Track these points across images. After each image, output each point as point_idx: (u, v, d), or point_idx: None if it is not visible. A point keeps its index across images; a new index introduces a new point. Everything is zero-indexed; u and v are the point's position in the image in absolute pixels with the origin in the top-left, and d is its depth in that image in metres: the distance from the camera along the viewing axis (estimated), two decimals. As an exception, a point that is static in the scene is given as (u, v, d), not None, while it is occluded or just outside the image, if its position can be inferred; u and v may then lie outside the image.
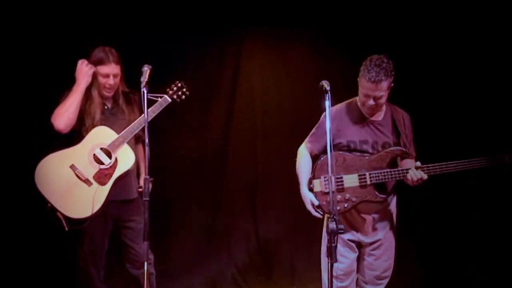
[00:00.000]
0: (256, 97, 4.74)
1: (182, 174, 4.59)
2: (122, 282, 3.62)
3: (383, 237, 3.25)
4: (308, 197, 3.11)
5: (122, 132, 3.33)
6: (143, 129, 3.41)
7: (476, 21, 4.23)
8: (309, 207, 3.11)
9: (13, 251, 4.06)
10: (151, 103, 3.33)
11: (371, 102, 3.03)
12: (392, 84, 3.04)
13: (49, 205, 3.20)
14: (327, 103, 2.79)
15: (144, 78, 2.84)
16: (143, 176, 3.62)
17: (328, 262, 2.67)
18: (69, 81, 3.46)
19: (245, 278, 4.63)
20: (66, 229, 3.21)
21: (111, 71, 3.37)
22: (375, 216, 3.22)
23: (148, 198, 2.75)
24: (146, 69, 2.86)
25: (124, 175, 3.33)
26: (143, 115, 3.31)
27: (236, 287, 4.58)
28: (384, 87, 2.99)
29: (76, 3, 4.17)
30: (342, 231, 2.68)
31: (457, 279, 4.38)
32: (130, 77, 3.44)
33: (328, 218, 2.74)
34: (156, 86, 3.08)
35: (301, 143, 3.35)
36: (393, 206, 3.29)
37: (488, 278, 4.28)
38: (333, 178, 2.72)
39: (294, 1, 4.47)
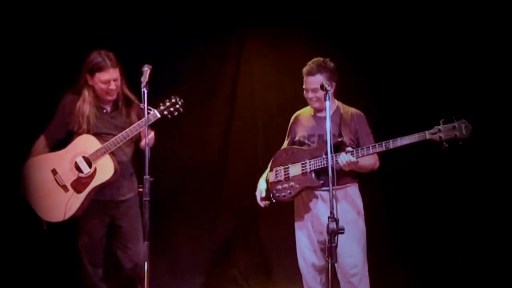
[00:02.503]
0: (256, 97, 4.74)
1: (182, 174, 4.59)
2: (122, 281, 3.62)
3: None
4: (259, 188, 3.46)
5: (105, 144, 3.28)
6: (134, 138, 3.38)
7: (481, 22, 4.22)
8: (257, 194, 3.46)
9: (10, 250, 4.06)
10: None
11: (310, 95, 3.33)
12: (334, 84, 3.30)
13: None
14: (328, 103, 2.94)
15: (145, 78, 2.84)
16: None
17: (329, 262, 2.79)
18: (69, 82, 3.46)
19: (246, 278, 4.62)
20: (44, 227, 3.33)
21: (111, 76, 3.30)
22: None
23: (148, 198, 2.75)
24: (147, 69, 2.86)
25: (102, 186, 3.32)
26: (128, 129, 3.29)
27: (237, 287, 4.59)
28: (318, 80, 3.22)
29: (76, 3, 4.17)
30: (342, 231, 2.75)
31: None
32: (130, 77, 3.42)
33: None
34: (156, 86, 3.08)
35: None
36: (350, 200, 3.36)
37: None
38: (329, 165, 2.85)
39: (294, 1, 4.47)
